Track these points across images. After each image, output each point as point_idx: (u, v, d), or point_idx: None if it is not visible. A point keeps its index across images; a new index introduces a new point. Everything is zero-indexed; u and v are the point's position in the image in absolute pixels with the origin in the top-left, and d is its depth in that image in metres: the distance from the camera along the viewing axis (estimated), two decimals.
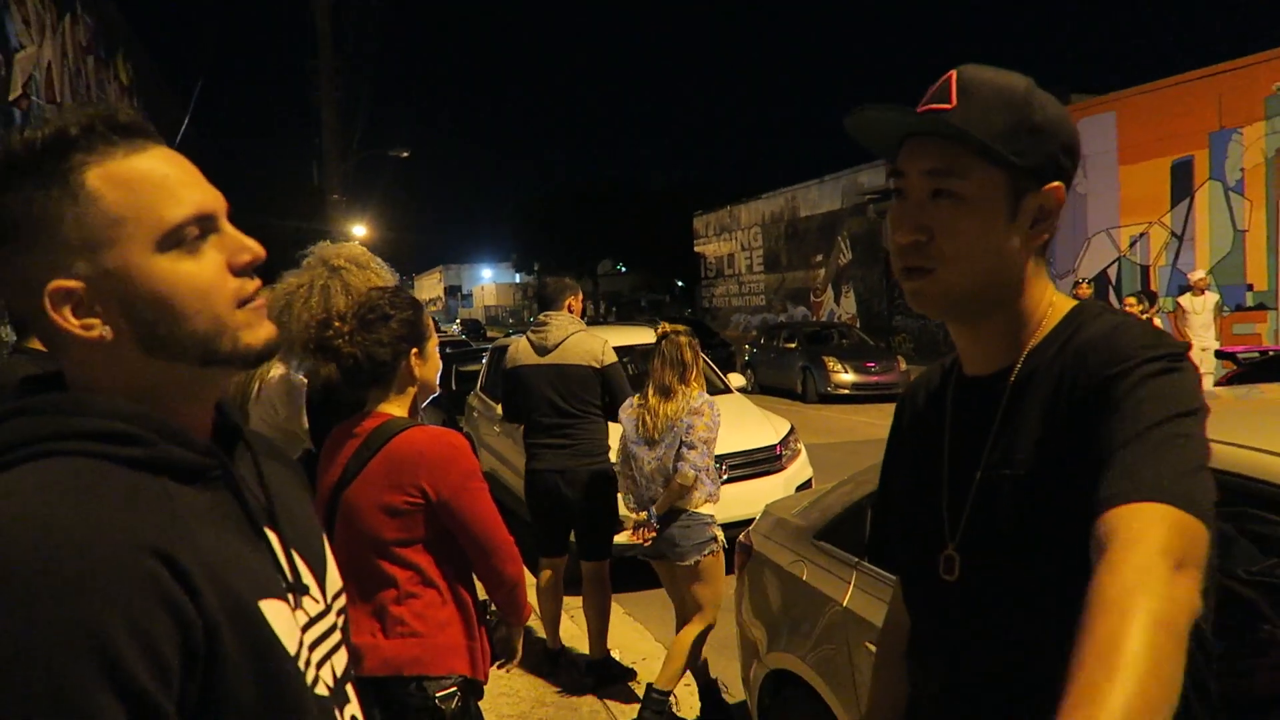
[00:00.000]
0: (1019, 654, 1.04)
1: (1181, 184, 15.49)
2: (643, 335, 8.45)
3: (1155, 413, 0.92)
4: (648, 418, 3.82)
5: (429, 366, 2.21)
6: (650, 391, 3.84)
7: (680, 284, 47.12)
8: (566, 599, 4.78)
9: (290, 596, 0.84)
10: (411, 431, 2.08)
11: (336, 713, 0.86)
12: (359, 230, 21.59)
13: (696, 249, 34.94)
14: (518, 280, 77.65)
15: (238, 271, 0.84)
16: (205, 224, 0.83)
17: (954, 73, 1.08)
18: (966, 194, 1.04)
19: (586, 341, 4.48)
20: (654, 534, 3.79)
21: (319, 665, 0.86)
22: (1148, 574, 0.79)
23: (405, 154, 20.95)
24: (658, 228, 43.87)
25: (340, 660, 0.89)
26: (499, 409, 6.16)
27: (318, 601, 0.89)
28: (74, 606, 0.65)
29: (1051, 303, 1.12)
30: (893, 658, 1.36)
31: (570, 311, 4.60)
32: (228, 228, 0.85)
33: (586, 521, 4.51)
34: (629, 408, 3.96)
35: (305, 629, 0.85)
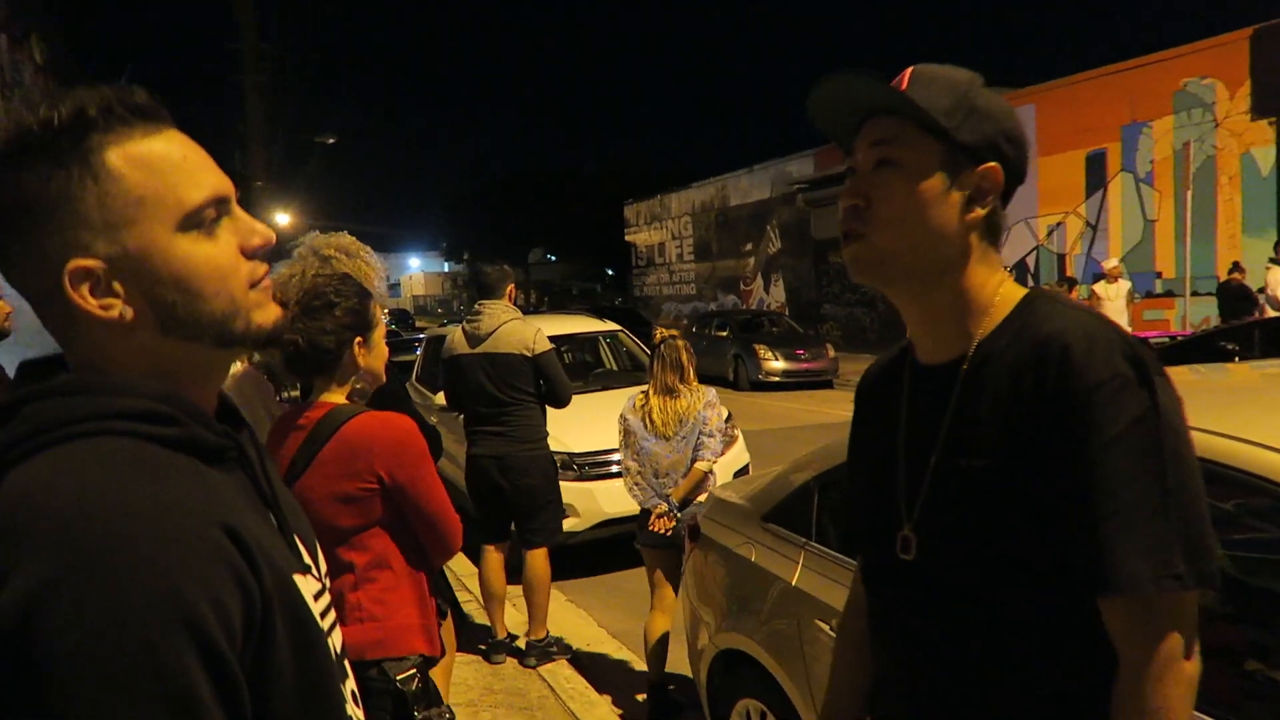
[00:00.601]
0: (975, 629, 1.10)
1: (1096, 175, 16.10)
2: (580, 324, 8.47)
3: (1150, 455, 0.99)
4: (655, 416, 4.02)
5: (374, 356, 2.20)
6: (652, 392, 4.06)
7: (611, 272, 47.14)
8: (509, 587, 4.79)
9: (305, 574, 0.86)
10: (361, 418, 2.07)
11: (340, 687, 0.88)
12: (283, 219, 21.06)
13: (628, 238, 34.98)
14: (446, 269, 76.63)
15: (249, 255, 0.85)
16: (220, 207, 0.84)
17: (910, 68, 1.16)
18: (903, 160, 1.11)
19: (519, 330, 4.49)
20: (674, 522, 3.96)
21: (329, 629, 0.88)
22: (1173, 684, 1.00)
23: (332, 140, 20.52)
24: (588, 216, 43.77)
25: (338, 637, 0.91)
26: (436, 399, 6.12)
27: (319, 580, 0.91)
28: (159, 576, 0.67)
29: (1000, 290, 1.15)
30: (854, 638, 1.41)
31: (509, 300, 4.62)
32: (238, 211, 0.86)
33: (526, 507, 4.54)
34: (631, 409, 4.08)
35: (323, 608, 0.87)
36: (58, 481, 0.68)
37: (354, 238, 2.78)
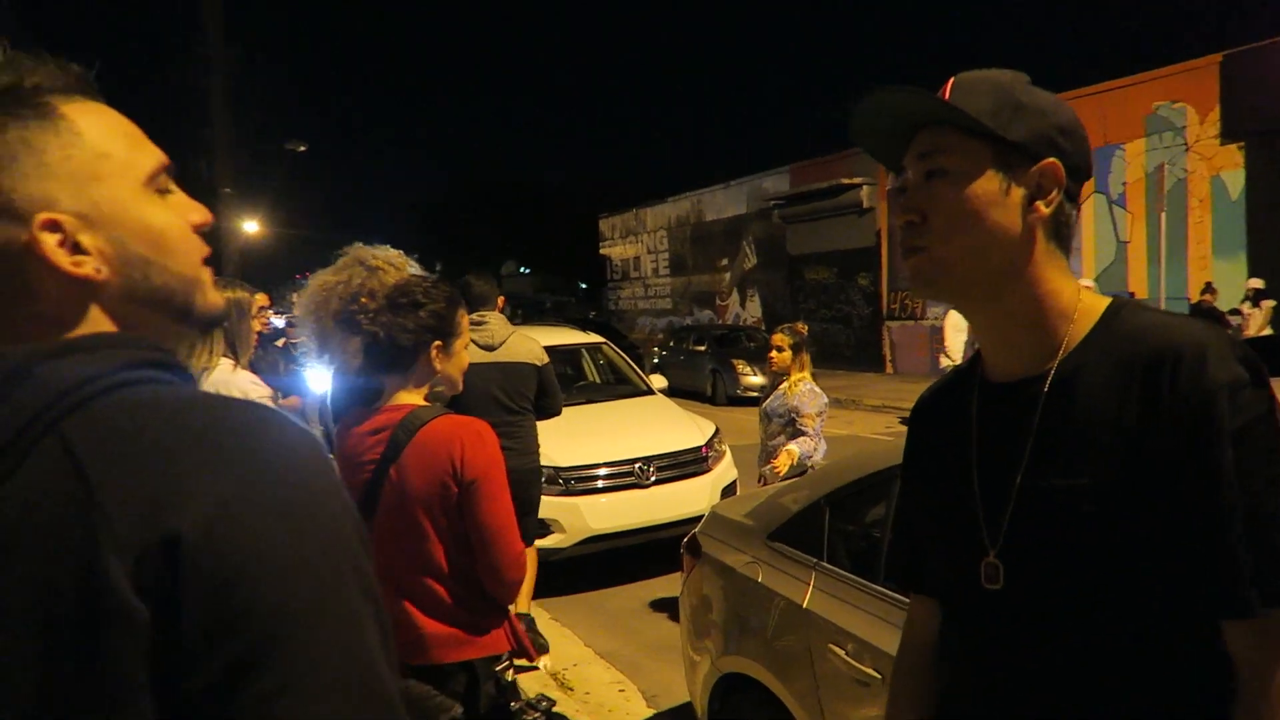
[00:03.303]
0: (1075, 659, 1.04)
1: None
2: (563, 336, 8.38)
3: (1274, 454, 0.96)
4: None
5: (453, 363, 2.19)
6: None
7: (584, 285, 47.05)
8: None
9: None
10: (442, 419, 2.08)
11: None
12: (251, 226, 20.76)
13: (602, 251, 34.92)
14: None
15: (194, 230, 0.83)
16: (169, 176, 0.82)
17: (952, 78, 1.13)
18: (952, 168, 1.08)
19: (527, 341, 4.58)
20: None
21: None
22: None
23: (302, 148, 20.24)
24: (562, 229, 43.70)
25: None
26: None
27: None
28: (341, 497, 0.69)
29: (1082, 298, 1.11)
30: (912, 680, 1.33)
31: (499, 311, 4.67)
32: (177, 189, 0.84)
33: (520, 517, 4.54)
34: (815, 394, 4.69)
35: None
36: (186, 412, 0.67)
37: (400, 252, 2.80)
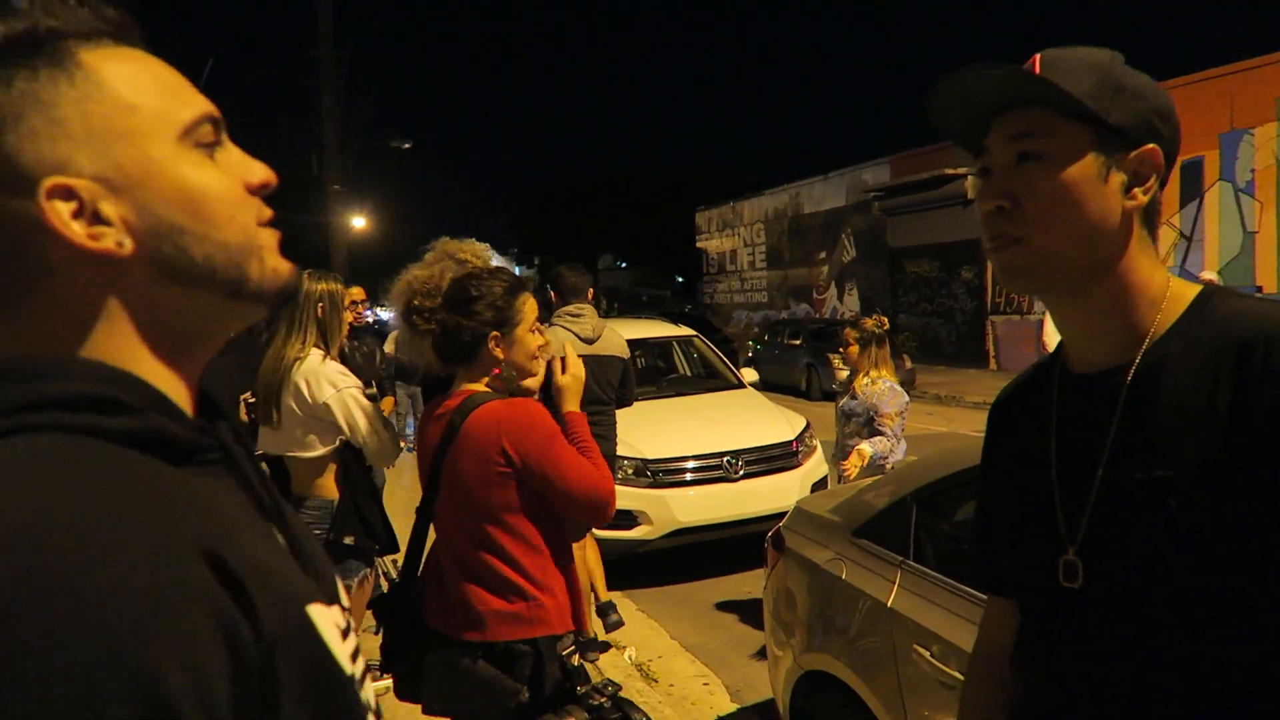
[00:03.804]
0: (1158, 661, 0.98)
1: (1191, 185, 15.42)
2: (653, 329, 8.39)
3: None
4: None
5: (516, 350, 2.23)
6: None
7: (680, 279, 47.00)
8: None
9: (330, 604, 0.68)
10: (489, 404, 2.14)
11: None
12: (359, 222, 21.43)
13: (699, 244, 34.82)
14: (518, 273, 77.49)
15: (252, 191, 0.71)
16: (216, 130, 0.70)
17: (1038, 54, 1.06)
18: (1052, 151, 1.00)
19: (615, 334, 4.67)
20: None
21: (361, 678, 0.71)
22: None
23: (407, 145, 20.80)
24: (659, 223, 43.72)
25: (370, 689, 0.73)
26: None
27: (345, 613, 0.72)
28: (111, 636, 0.48)
29: (1171, 286, 1.04)
30: (984, 691, 1.27)
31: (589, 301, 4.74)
32: (231, 144, 0.72)
33: None
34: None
35: (351, 650, 0.70)
36: None
37: (486, 244, 2.97)
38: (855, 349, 4.58)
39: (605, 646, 4.60)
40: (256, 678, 0.55)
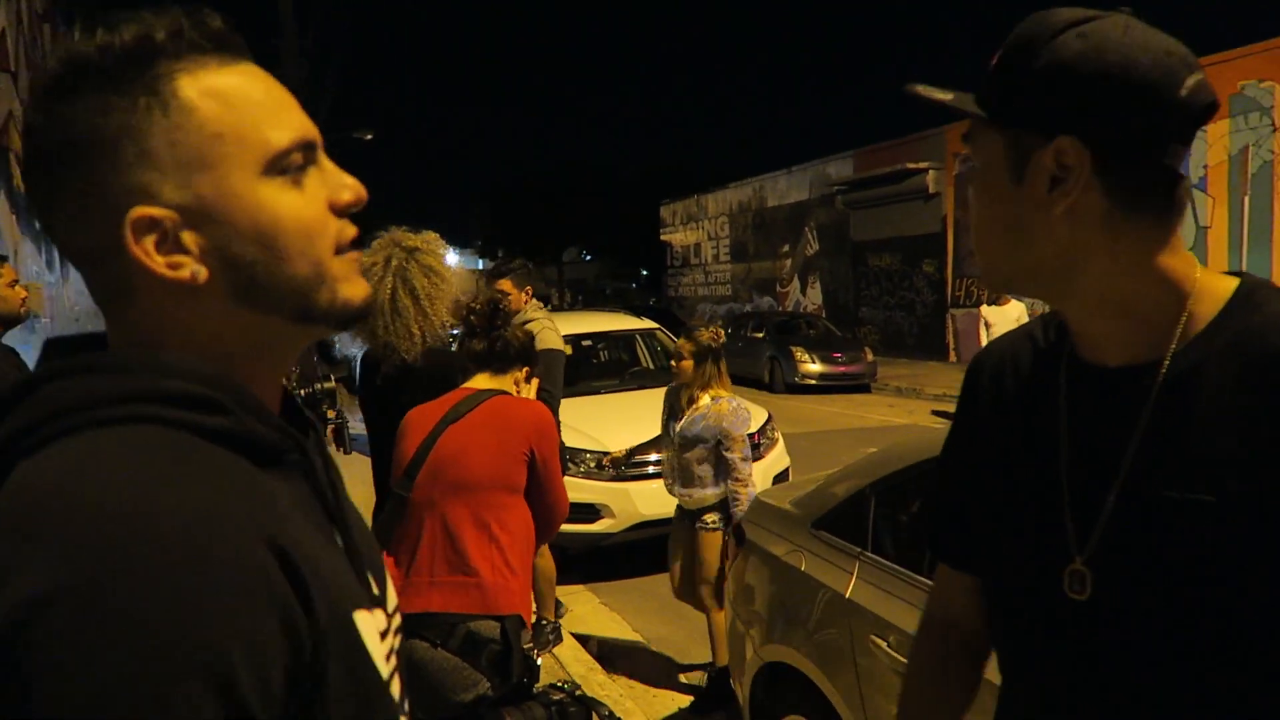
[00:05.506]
0: (1169, 684, 0.91)
1: None
2: (616, 321, 8.38)
3: None
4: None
5: (528, 388, 2.63)
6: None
7: (645, 272, 47.01)
8: None
9: (374, 609, 0.72)
10: (506, 397, 2.43)
11: None
12: None
13: (663, 237, 34.83)
14: (480, 266, 77.31)
15: (339, 212, 0.72)
16: (307, 153, 0.71)
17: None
18: (977, 163, 0.97)
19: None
20: None
21: (401, 696, 0.74)
22: None
23: (369, 136, 20.57)
24: (623, 216, 43.67)
25: (397, 686, 0.76)
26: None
27: (387, 616, 0.76)
28: (183, 608, 0.53)
29: (1199, 280, 0.93)
30: (939, 664, 1.22)
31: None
32: (326, 161, 0.73)
33: None
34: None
35: (387, 650, 0.73)
36: (70, 476, 0.56)
37: (436, 234, 3.11)
38: (690, 364, 3.90)
39: (560, 638, 4.59)
40: (308, 669, 0.59)
